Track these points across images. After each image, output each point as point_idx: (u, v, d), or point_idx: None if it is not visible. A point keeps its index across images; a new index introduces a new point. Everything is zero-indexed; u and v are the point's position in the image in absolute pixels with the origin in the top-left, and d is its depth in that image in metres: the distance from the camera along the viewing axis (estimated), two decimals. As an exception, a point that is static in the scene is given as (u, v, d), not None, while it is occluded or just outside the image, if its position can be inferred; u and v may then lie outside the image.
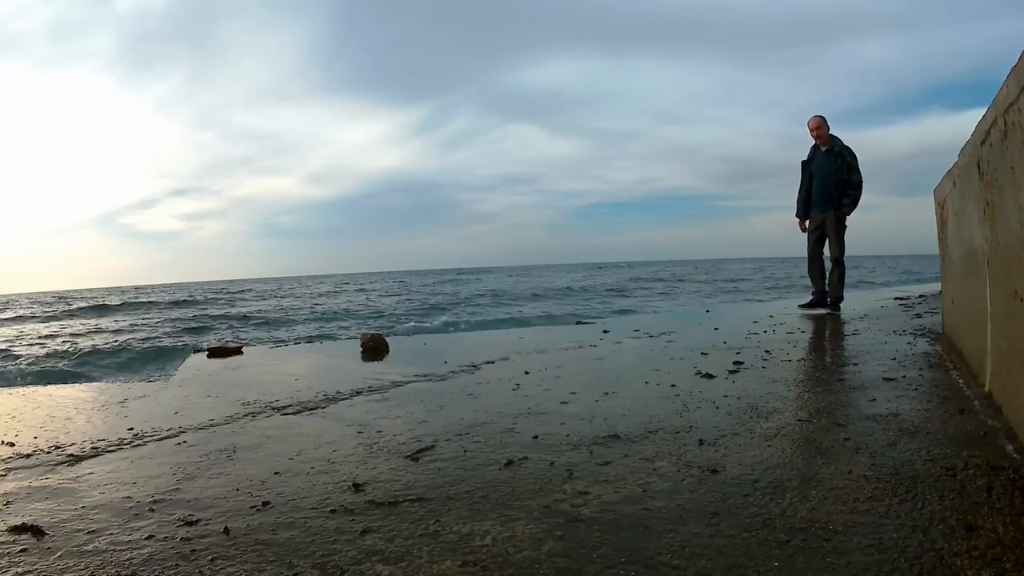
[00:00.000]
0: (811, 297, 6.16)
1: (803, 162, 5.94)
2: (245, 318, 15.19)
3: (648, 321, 6.78)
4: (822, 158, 5.75)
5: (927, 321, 4.89)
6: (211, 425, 2.63)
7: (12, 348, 10.58)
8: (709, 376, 3.13)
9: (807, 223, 6.03)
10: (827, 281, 6.03)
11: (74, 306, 23.88)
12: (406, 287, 31.70)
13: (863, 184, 5.70)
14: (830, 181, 5.68)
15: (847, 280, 6.13)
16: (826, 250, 6.00)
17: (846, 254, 5.88)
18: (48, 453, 2.28)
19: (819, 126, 5.74)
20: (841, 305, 6.02)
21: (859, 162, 5.78)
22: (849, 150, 5.72)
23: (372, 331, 6.64)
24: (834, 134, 5.81)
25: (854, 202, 5.72)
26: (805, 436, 2.04)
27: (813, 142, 5.87)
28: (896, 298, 7.27)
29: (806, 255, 6.09)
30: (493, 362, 3.97)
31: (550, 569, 1.26)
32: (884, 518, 1.39)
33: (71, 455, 2.24)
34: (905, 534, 1.31)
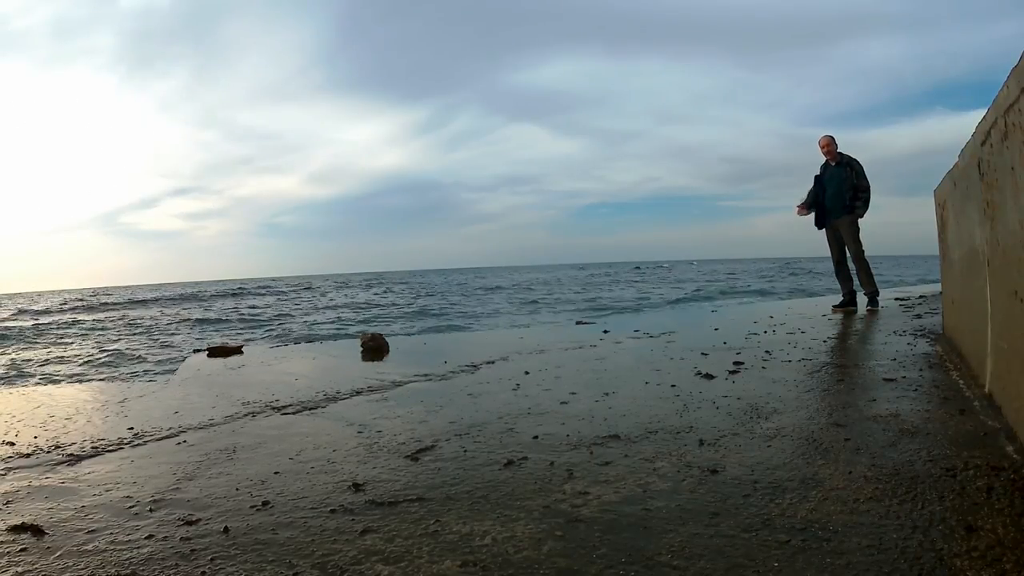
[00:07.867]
0: (842, 298, 6.57)
1: (816, 176, 6.45)
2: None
3: (648, 321, 6.78)
4: (834, 171, 6.27)
5: (927, 322, 4.88)
6: (211, 425, 2.63)
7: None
8: (709, 376, 3.13)
9: (821, 227, 6.44)
10: (856, 282, 6.44)
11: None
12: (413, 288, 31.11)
13: (871, 189, 6.19)
14: (842, 189, 6.17)
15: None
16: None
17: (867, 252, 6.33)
18: (48, 453, 2.28)
19: (828, 144, 6.26)
20: (879, 299, 6.36)
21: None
22: (856, 160, 6.23)
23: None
24: (841, 151, 6.33)
25: (865, 204, 6.18)
26: (805, 437, 2.03)
27: (823, 159, 6.36)
28: (896, 298, 7.26)
29: (832, 262, 6.50)
30: (493, 362, 3.97)
31: (550, 569, 1.26)
32: (884, 519, 1.39)
33: (71, 455, 2.24)
34: (905, 535, 1.31)
